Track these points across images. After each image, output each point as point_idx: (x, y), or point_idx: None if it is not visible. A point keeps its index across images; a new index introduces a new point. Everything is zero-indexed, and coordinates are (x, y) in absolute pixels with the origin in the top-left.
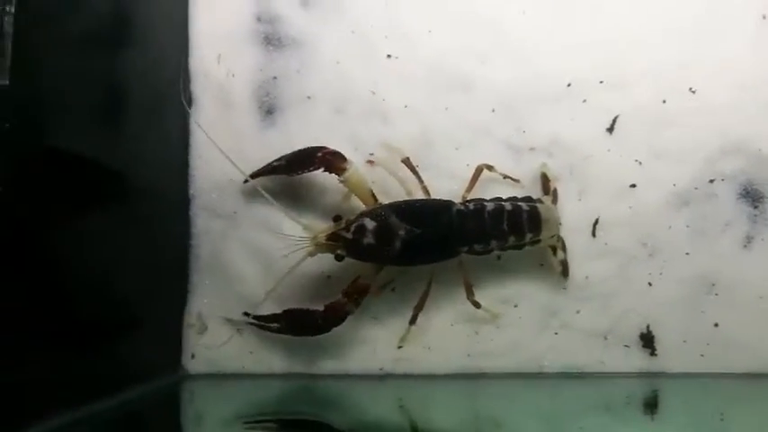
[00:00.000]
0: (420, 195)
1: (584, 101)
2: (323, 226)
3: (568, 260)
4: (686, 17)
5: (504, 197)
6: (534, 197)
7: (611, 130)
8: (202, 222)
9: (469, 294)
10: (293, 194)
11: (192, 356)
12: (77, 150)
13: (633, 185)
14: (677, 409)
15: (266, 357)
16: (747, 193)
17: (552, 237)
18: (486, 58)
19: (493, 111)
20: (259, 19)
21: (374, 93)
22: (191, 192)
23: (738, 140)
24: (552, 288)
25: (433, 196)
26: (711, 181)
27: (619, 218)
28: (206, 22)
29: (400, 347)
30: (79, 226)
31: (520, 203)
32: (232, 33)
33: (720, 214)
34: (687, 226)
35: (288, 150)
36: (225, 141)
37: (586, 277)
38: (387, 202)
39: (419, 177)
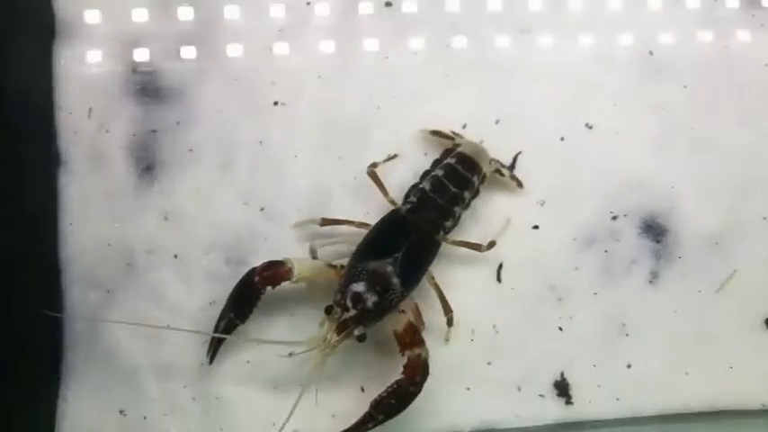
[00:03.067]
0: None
1: (481, 141)
2: (322, 327)
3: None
4: (579, 51)
5: (429, 171)
6: (449, 146)
7: (511, 168)
8: (77, 294)
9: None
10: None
11: None
12: None
13: (536, 227)
14: None
15: None
16: (650, 227)
17: (490, 163)
18: (381, 102)
19: (389, 157)
20: (134, 70)
21: (261, 143)
22: (61, 260)
23: (637, 174)
24: (461, 341)
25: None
26: (614, 218)
27: (523, 261)
28: (74, 73)
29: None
30: None
31: (446, 161)
32: (105, 85)
33: (625, 251)
34: (593, 266)
35: (171, 209)
36: (100, 202)
37: (494, 326)
38: (349, 259)
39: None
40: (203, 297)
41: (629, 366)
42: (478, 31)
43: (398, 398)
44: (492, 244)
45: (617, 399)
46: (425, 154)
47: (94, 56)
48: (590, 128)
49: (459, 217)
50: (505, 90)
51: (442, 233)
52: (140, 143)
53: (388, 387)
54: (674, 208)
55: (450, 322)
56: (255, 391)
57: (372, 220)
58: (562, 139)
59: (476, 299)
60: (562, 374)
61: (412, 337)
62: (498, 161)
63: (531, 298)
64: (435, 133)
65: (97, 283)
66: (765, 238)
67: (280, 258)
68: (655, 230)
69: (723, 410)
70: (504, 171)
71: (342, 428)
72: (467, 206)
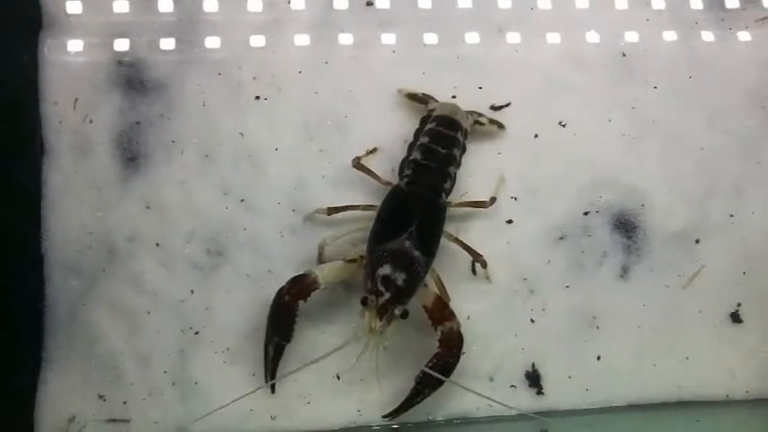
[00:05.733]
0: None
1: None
2: (363, 320)
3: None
4: (552, 51)
5: (414, 142)
6: (425, 113)
7: (498, 108)
8: (59, 281)
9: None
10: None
11: None
12: None
13: (510, 221)
14: None
15: None
16: (621, 224)
17: (468, 118)
18: (360, 97)
19: (371, 151)
20: (120, 62)
21: (243, 135)
22: (44, 248)
23: (608, 172)
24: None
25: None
26: (586, 213)
27: (497, 254)
28: (59, 64)
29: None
30: None
31: (427, 127)
32: (90, 77)
33: (596, 246)
34: (565, 260)
35: (153, 199)
36: (83, 192)
37: (468, 317)
38: (367, 248)
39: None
40: (184, 285)
41: (598, 358)
42: (453, 29)
43: (441, 371)
44: (493, 200)
45: (587, 389)
46: (405, 142)
47: (79, 47)
48: (563, 126)
49: (455, 176)
50: (480, 88)
51: (444, 196)
52: (124, 134)
53: (429, 362)
54: (644, 205)
55: (484, 264)
56: (234, 377)
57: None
58: (536, 136)
59: (450, 290)
60: (534, 365)
61: (442, 312)
62: (474, 112)
63: (504, 290)
64: (411, 96)
65: (79, 270)
66: (732, 236)
67: (301, 272)
68: (626, 226)
69: (689, 401)
70: (483, 119)
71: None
72: (459, 164)
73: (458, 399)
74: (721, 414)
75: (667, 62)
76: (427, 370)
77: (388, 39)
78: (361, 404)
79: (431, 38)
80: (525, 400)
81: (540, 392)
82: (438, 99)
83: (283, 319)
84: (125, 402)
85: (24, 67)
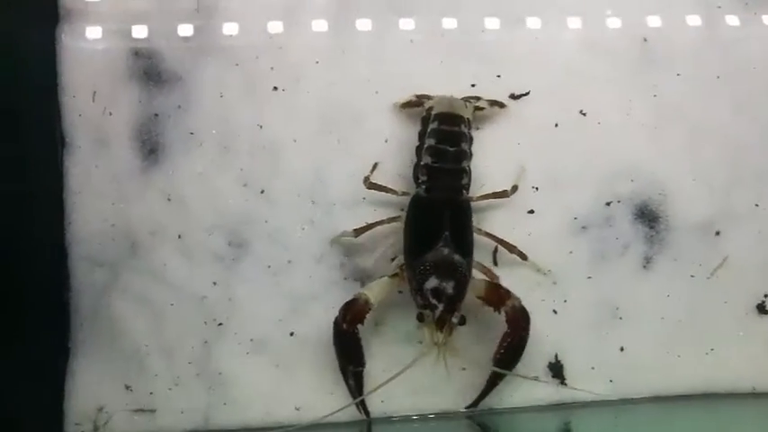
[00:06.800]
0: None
1: (477, 128)
2: (424, 333)
3: None
4: (573, 38)
5: (421, 145)
6: (423, 114)
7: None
8: (83, 273)
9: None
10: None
11: None
12: None
13: (531, 211)
14: None
15: None
16: (643, 214)
17: (467, 106)
18: (378, 87)
19: (386, 141)
20: (136, 53)
21: (261, 126)
22: (67, 241)
23: (631, 161)
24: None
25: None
26: (608, 203)
27: (519, 245)
28: (78, 57)
29: None
30: None
31: (430, 127)
32: (108, 69)
33: (619, 237)
34: (587, 250)
35: (174, 191)
36: (103, 184)
37: None
38: (405, 263)
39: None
40: (206, 277)
41: (622, 349)
42: (472, 18)
43: (515, 349)
44: (515, 188)
45: (610, 380)
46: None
47: (99, 40)
48: (584, 115)
49: (470, 169)
50: (499, 76)
51: (465, 192)
52: (143, 126)
53: (502, 342)
54: (667, 195)
55: (524, 256)
56: (257, 367)
57: (374, 200)
58: (556, 125)
59: None
60: (556, 356)
61: (498, 294)
62: (471, 97)
63: (526, 281)
64: (406, 105)
65: (102, 262)
66: (757, 225)
67: (352, 296)
68: (648, 216)
69: (714, 393)
70: (482, 104)
71: None
72: (470, 156)
73: (481, 389)
74: (747, 406)
75: (690, 48)
76: (503, 351)
77: (406, 26)
78: (384, 395)
79: (449, 24)
80: (548, 391)
81: (562, 383)
82: (431, 95)
83: (349, 347)
84: (151, 393)
85: (43, 61)
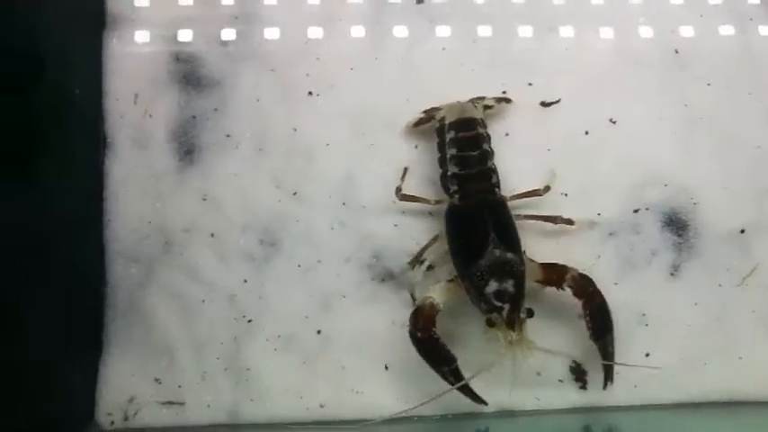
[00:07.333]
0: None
1: (507, 134)
2: (500, 336)
3: None
4: (604, 47)
5: (443, 155)
6: (436, 126)
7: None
8: (119, 269)
9: None
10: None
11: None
12: None
13: None
14: None
15: None
16: (671, 221)
17: (477, 105)
18: (410, 95)
19: (416, 147)
20: (177, 58)
21: (295, 130)
22: (105, 237)
23: (660, 170)
24: (483, 326)
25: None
26: (636, 211)
27: (547, 250)
28: (122, 62)
29: None
30: None
31: (448, 138)
32: (150, 73)
33: (647, 244)
34: (615, 256)
35: (209, 191)
36: (142, 184)
37: None
38: (458, 273)
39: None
40: (238, 275)
41: (647, 355)
42: (504, 26)
43: (600, 314)
44: (547, 188)
45: (635, 386)
46: None
47: (142, 45)
48: (614, 123)
49: (496, 167)
50: (530, 84)
51: (497, 191)
52: (181, 128)
53: (585, 316)
54: (696, 203)
55: (570, 222)
56: (285, 363)
57: (404, 203)
58: (586, 133)
59: None
60: (578, 360)
61: (555, 272)
62: (478, 98)
63: (551, 287)
64: (417, 124)
65: (138, 258)
66: None
67: (415, 305)
68: (677, 224)
69: (741, 401)
70: (489, 102)
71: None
72: (493, 153)
73: (506, 392)
74: None
75: (721, 58)
76: (592, 324)
77: (441, 34)
78: (409, 395)
79: (483, 32)
80: (572, 395)
81: (586, 387)
82: (439, 105)
83: (434, 351)
84: (180, 386)
85: (90, 65)
